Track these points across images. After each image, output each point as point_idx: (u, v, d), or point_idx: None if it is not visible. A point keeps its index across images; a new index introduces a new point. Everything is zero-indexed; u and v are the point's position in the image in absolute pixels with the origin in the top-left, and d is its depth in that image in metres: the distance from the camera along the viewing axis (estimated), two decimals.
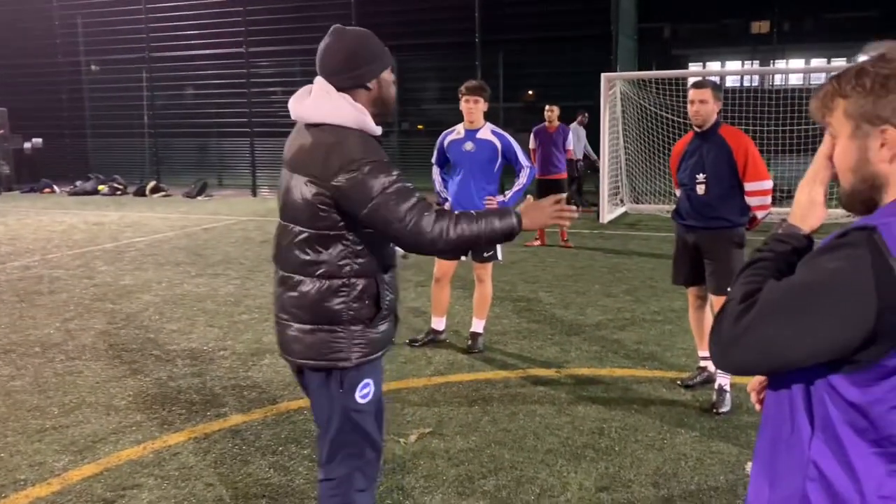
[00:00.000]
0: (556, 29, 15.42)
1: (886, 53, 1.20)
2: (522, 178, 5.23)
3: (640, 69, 16.00)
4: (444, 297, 5.48)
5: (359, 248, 2.20)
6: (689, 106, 4.28)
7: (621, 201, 13.23)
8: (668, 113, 12.98)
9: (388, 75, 2.28)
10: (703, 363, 4.57)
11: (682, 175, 4.40)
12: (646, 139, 13.05)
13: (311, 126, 2.21)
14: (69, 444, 3.79)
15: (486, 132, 5.21)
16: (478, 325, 5.36)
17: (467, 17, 15.70)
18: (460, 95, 5.22)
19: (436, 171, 5.52)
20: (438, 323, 5.49)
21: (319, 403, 2.31)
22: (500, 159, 5.20)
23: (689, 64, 36.85)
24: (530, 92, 22.05)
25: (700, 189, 4.26)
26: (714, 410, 4.13)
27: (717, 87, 4.26)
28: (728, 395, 4.17)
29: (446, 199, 5.36)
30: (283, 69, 18.72)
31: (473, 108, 5.16)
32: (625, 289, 7.20)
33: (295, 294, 2.22)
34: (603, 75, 12.40)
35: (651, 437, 3.82)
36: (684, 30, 39.68)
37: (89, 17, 19.14)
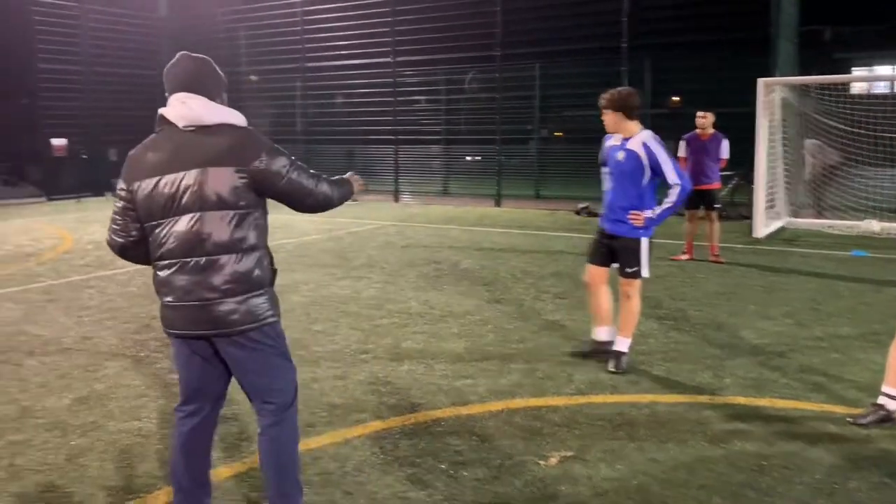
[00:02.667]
0: (708, 32, 14.64)
1: None
2: (672, 197, 4.90)
3: (800, 74, 14.91)
4: (602, 304, 5.24)
5: (261, 222, 2.74)
6: None
7: (778, 214, 12.37)
8: (832, 120, 12.01)
9: (224, 93, 2.85)
10: (882, 399, 4.10)
11: None
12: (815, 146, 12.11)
13: (202, 128, 2.64)
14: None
15: (636, 143, 4.93)
16: (622, 344, 5.10)
17: (613, 22, 15.27)
18: None
19: (604, 170, 5.28)
20: (600, 333, 5.25)
21: (260, 360, 2.76)
22: (647, 172, 4.92)
23: (853, 68, 34.06)
24: (675, 98, 21.20)
25: None
26: (852, 420, 4.08)
27: None
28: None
29: None
30: (427, 78, 19.04)
31: (606, 120, 5.00)
32: (784, 311, 6.65)
33: (226, 272, 2.62)
34: (761, 80, 11.64)
35: (819, 480, 3.45)
36: (848, 32, 36.71)
37: (251, 29, 20.36)
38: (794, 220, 12.32)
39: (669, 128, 17.17)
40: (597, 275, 5.22)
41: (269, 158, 2.64)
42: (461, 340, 5.78)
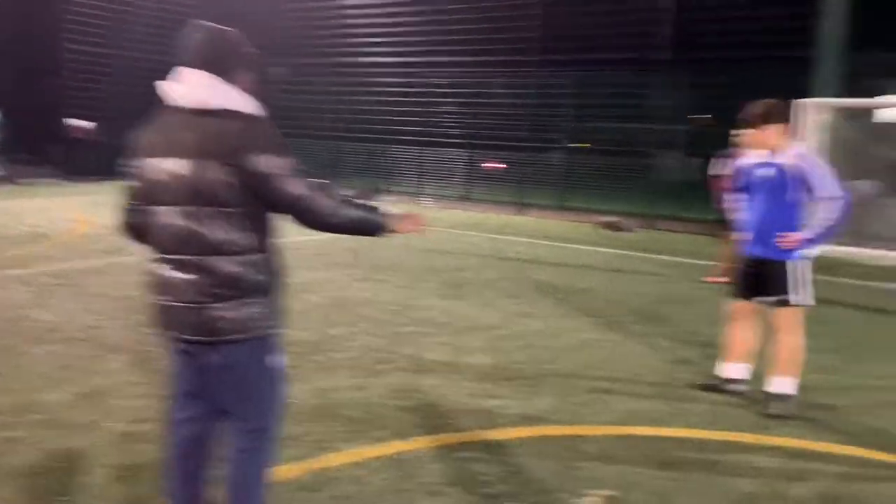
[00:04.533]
0: (752, 49, 14.25)
1: None
2: (832, 213, 4.36)
3: (844, 97, 14.44)
4: (741, 338, 4.77)
5: (264, 223, 2.41)
6: None
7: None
8: (878, 147, 11.61)
9: (249, 74, 2.45)
10: None
11: None
12: (857, 173, 11.71)
13: (201, 113, 2.31)
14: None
15: (789, 156, 4.50)
16: (786, 385, 4.54)
17: (656, 34, 14.89)
18: None
19: (738, 196, 4.96)
20: (730, 368, 4.81)
21: (243, 374, 2.47)
22: (802, 187, 4.44)
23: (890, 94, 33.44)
24: (709, 116, 20.94)
25: None
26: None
27: None
28: None
29: None
30: (456, 80, 18.75)
31: (764, 135, 4.52)
32: (832, 345, 6.23)
33: (218, 274, 2.33)
34: (805, 101, 11.25)
35: None
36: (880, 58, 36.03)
37: (286, 21, 20.17)
38: (833, 247, 11.86)
39: (703, 145, 16.82)
40: (743, 309, 4.76)
41: (260, 157, 2.28)
42: (488, 355, 5.43)
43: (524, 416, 4.26)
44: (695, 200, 14.76)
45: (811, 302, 4.53)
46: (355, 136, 19.65)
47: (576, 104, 17.71)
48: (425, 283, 7.97)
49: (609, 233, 13.69)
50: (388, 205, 2.69)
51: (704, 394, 4.80)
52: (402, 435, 3.91)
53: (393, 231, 2.57)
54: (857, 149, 11.82)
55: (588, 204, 16.70)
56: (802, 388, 5.01)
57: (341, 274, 8.28)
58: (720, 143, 9.32)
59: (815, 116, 11.57)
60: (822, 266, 10.72)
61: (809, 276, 4.50)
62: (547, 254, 10.79)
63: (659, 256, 11.01)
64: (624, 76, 16.26)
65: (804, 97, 11.63)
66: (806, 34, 13.54)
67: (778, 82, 14.04)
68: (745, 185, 4.68)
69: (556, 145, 18.90)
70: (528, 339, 5.95)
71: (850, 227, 11.84)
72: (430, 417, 4.17)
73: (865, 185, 11.99)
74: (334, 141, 19.82)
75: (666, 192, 16.62)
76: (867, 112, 12.55)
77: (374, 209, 2.54)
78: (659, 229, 14.67)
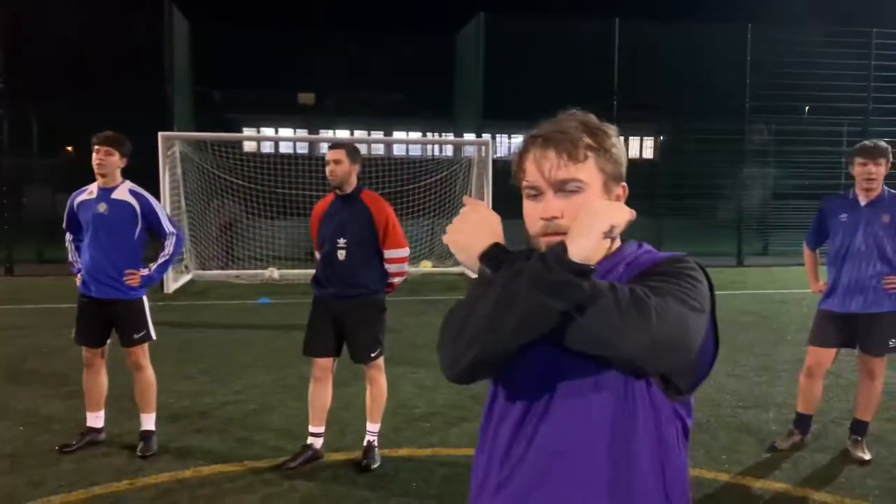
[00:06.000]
0: (102, 85, 13.96)
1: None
2: (169, 249, 4.57)
3: (196, 131, 15.41)
4: (101, 386, 4.58)
5: None
6: (326, 167, 4.16)
7: (186, 268, 12.41)
8: (228, 175, 12.71)
9: None
10: (310, 440, 4.26)
11: (321, 238, 4.24)
12: (210, 202, 12.57)
13: None
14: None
15: (124, 192, 4.42)
16: (149, 422, 4.54)
17: None
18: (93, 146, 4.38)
19: (69, 237, 4.63)
20: (97, 419, 4.58)
21: None
22: (140, 224, 4.44)
23: (244, 128, 37.43)
24: (69, 148, 20.05)
25: (341, 255, 4.12)
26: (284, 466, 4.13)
27: (354, 150, 4.20)
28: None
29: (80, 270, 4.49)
30: None
31: (107, 162, 4.34)
32: (201, 367, 6.51)
33: None
34: (160, 134, 11.58)
35: None
36: (235, 95, 40.10)
37: None
38: (202, 272, 12.53)
39: (64, 180, 15.82)
40: (96, 355, 4.50)
41: None
42: None
43: None
44: (62, 240, 13.76)
45: (154, 336, 4.62)
46: None
47: None
48: None
49: None
50: None
51: (70, 453, 4.41)
52: None
53: None
54: (218, 178, 12.74)
55: None
56: (175, 417, 5.11)
57: None
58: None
59: (175, 148, 12.03)
60: (195, 291, 11.31)
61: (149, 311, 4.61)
62: None
63: (21, 306, 9.89)
64: None
65: (164, 130, 11.96)
66: (158, 72, 13.97)
67: (138, 116, 14.25)
68: (85, 222, 4.48)
69: None
70: None
71: (220, 251, 12.82)
72: None
73: (232, 208, 13.04)
74: None
75: (29, 232, 15.11)
76: (233, 144, 13.64)
77: None
78: (20, 275, 13.18)
